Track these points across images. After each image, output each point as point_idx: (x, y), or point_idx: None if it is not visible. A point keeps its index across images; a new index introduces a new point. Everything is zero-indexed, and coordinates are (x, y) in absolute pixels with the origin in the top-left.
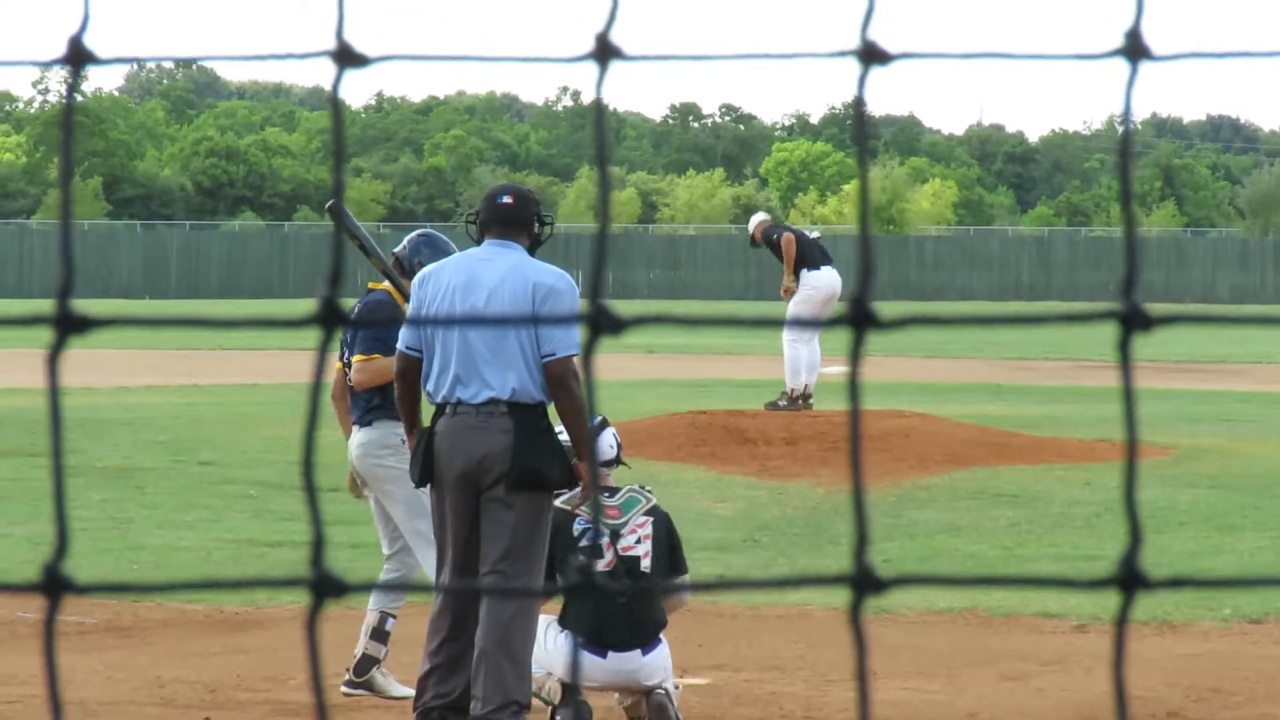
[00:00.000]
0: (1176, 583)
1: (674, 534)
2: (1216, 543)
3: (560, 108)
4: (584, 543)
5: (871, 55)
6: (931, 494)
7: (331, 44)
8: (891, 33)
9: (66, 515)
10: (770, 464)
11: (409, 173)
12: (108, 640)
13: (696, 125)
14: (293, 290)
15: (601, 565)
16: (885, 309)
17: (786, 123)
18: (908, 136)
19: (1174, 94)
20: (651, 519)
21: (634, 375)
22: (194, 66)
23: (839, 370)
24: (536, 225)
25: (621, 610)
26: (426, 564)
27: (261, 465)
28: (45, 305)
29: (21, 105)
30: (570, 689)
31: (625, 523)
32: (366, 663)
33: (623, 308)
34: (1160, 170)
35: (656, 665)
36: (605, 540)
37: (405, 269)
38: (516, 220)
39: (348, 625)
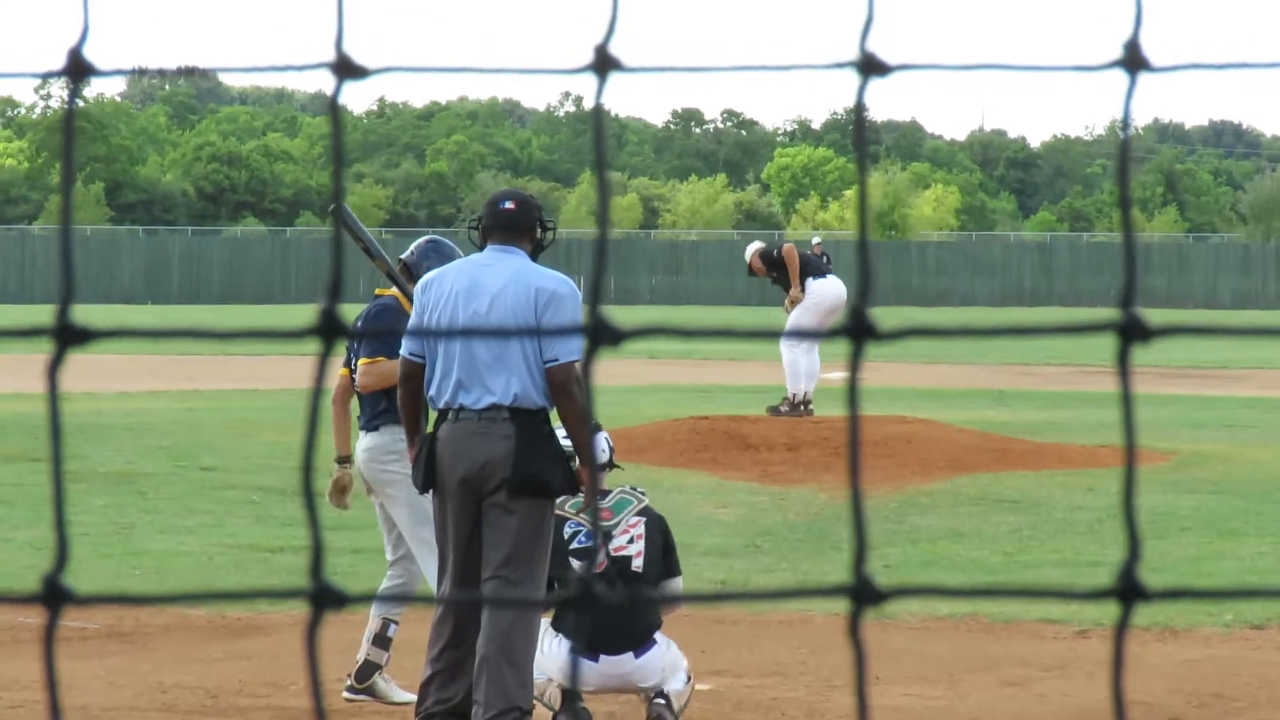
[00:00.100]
0: (1175, 594)
1: (668, 536)
2: (1218, 548)
3: (562, 113)
4: (575, 545)
5: (870, 67)
6: (933, 499)
7: (331, 55)
8: (892, 37)
9: (66, 527)
10: (772, 469)
11: (411, 178)
12: (109, 646)
13: (698, 131)
14: (294, 296)
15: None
16: (887, 315)
17: (788, 128)
18: (909, 142)
19: (1176, 99)
20: (644, 519)
21: (636, 381)
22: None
23: (841, 375)
24: (539, 231)
25: (612, 614)
26: (428, 571)
27: (263, 470)
28: (47, 311)
29: (24, 111)
30: (570, 694)
31: (617, 523)
32: (368, 669)
33: (624, 313)
34: (1162, 176)
35: (652, 667)
36: (593, 543)
37: (413, 275)
38: (519, 226)
39: (349, 630)
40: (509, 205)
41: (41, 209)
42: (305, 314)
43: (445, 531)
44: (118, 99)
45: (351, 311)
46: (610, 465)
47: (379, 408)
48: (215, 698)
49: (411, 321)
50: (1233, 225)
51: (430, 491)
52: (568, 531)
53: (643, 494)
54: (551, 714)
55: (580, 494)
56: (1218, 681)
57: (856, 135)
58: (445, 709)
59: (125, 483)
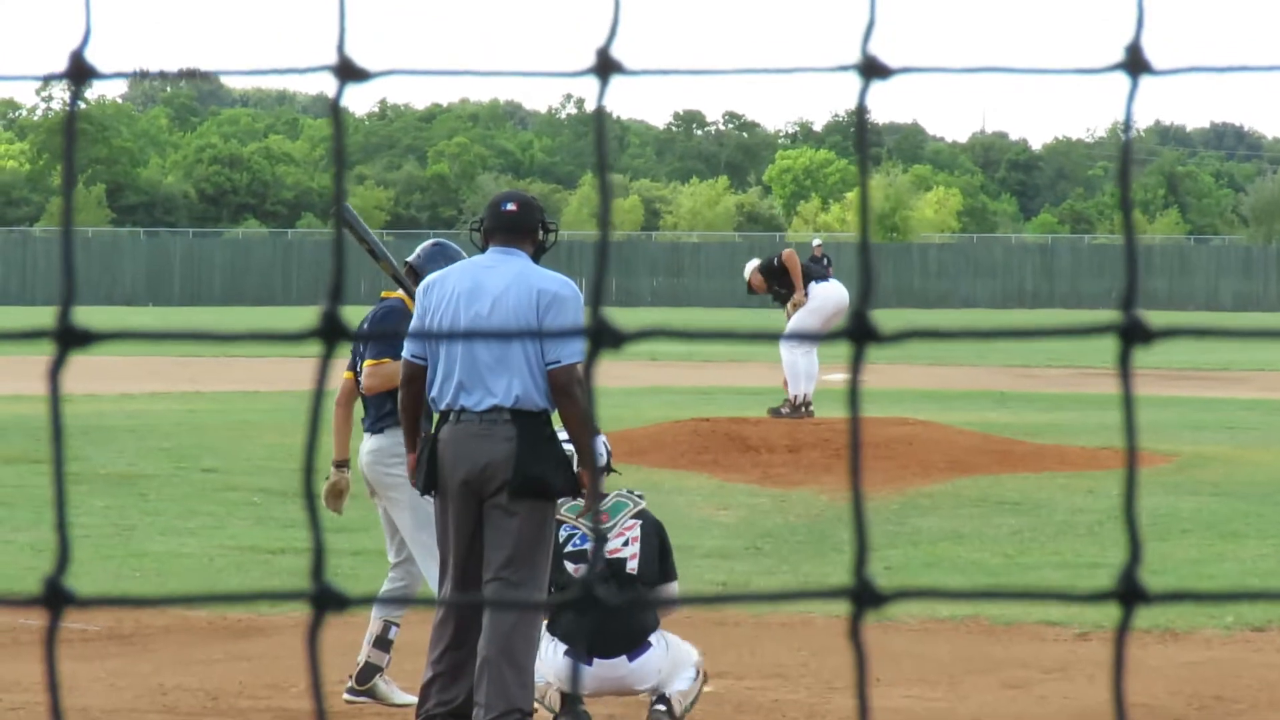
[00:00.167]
0: (1176, 596)
1: (665, 539)
2: (1219, 550)
3: (564, 115)
4: (570, 548)
5: (872, 70)
6: (934, 501)
7: (333, 58)
8: (894, 39)
9: (68, 528)
10: (773, 471)
11: (412, 180)
12: (110, 647)
13: (700, 133)
14: (296, 298)
15: (585, 570)
16: (888, 317)
17: (790, 130)
18: (911, 144)
19: (1177, 101)
20: (640, 522)
21: (637, 383)
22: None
23: (842, 377)
24: (541, 232)
25: (604, 617)
26: (429, 575)
27: (264, 472)
28: (48, 313)
29: (25, 112)
30: (569, 697)
31: (613, 526)
32: (369, 671)
33: (625, 315)
34: (1164, 178)
35: (647, 670)
36: (591, 545)
37: (419, 277)
38: (521, 227)
39: (350, 632)
40: (511, 207)
41: (43, 211)
42: (307, 316)
43: (446, 533)
44: (119, 101)
45: (353, 313)
46: (608, 469)
47: (384, 410)
48: (216, 699)
49: (413, 324)
50: (1234, 227)
51: (431, 493)
52: (563, 535)
53: (640, 497)
54: (552, 716)
55: (580, 497)
56: (1219, 684)
57: (858, 138)
58: (446, 711)
59: (126, 484)
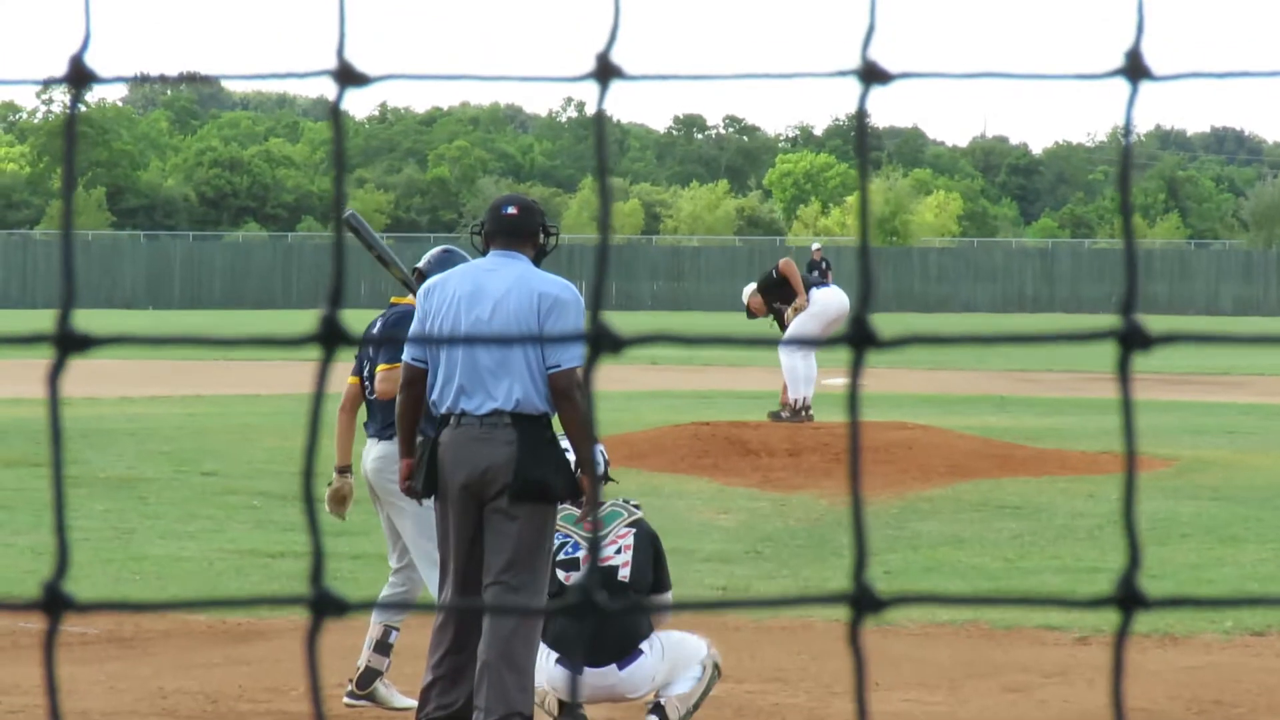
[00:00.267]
0: (1175, 602)
1: (659, 550)
2: (1219, 555)
3: (564, 119)
4: (562, 556)
5: (872, 75)
6: (934, 506)
7: (333, 62)
8: (894, 44)
9: (67, 534)
10: (773, 475)
11: (413, 183)
12: (109, 651)
13: (700, 137)
14: (296, 301)
15: (576, 578)
16: (888, 321)
17: (790, 134)
18: (911, 148)
19: (1178, 106)
20: (634, 530)
21: (637, 387)
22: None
23: (842, 382)
24: (542, 236)
25: (594, 626)
26: (430, 582)
27: (264, 476)
28: (48, 316)
29: (25, 115)
30: (567, 702)
31: (606, 534)
32: (369, 675)
33: (625, 319)
34: (1164, 182)
35: (639, 678)
36: (583, 554)
37: None
38: (521, 231)
39: (349, 636)
40: (512, 210)
41: (43, 214)
42: (307, 319)
43: (447, 537)
44: (119, 104)
45: (353, 317)
46: (605, 478)
47: (392, 416)
48: (215, 703)
49: (413, 327)
50: (1234, 232)
51: (432, 498)
52: (555, 542)
53: (636, 507)
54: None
55: (578, 503)
56: (1218, 688)
57: (858, 143)
58: (446, 714)
59: (126, 488)
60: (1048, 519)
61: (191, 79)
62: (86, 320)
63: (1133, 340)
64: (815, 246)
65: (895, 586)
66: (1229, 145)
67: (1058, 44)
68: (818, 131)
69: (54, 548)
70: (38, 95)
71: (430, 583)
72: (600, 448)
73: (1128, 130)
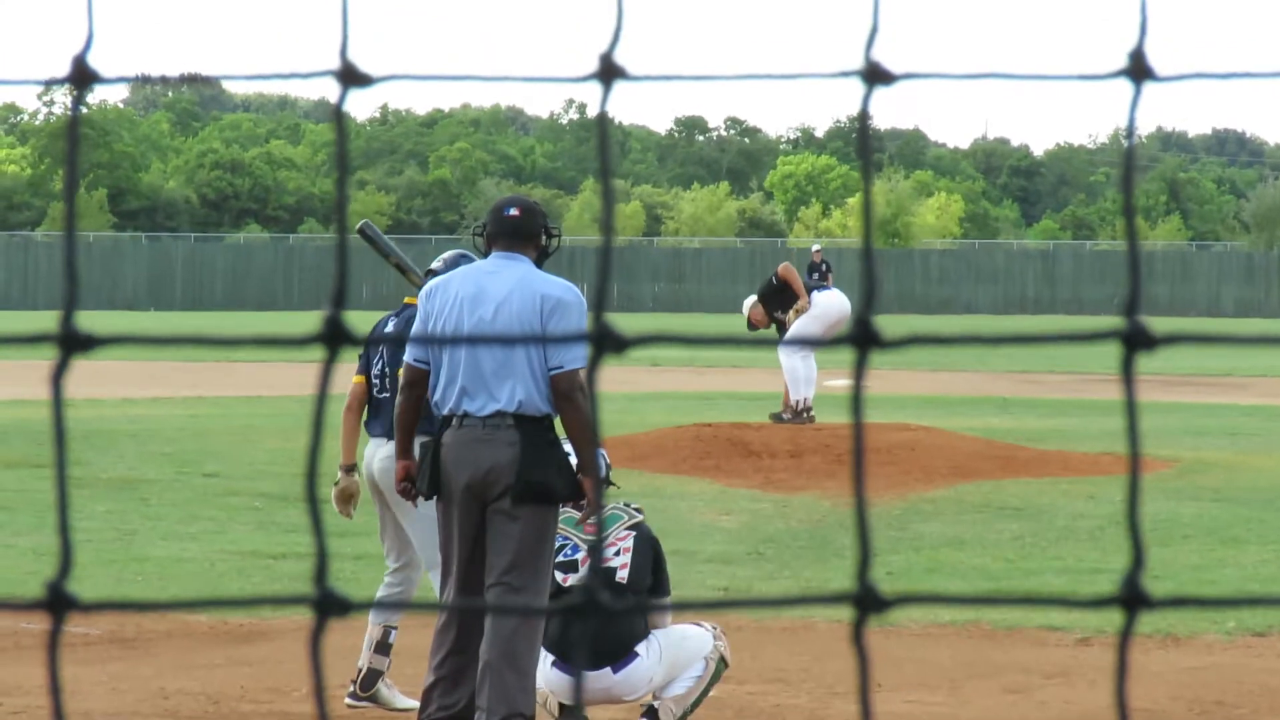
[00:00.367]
0: (1178, 601)
1: (660, 554)
2: (1220, 556)
3: (565, 121)
4: (560, 558)
5: (875, 76)
6: (936, 507)
7: (336, 63)
8: (895, 45)
9: (71, 534)
10: (775, 477)
11: (414, 185)
12: (111, 651)
13: (701, 138)
14: (297, 302)
15: (574, 580)
16: (890, 323)
17: (791, 136)
18: (913, 150)
19: (1179, 108)
20: (634, 534)
21: (639, 388)
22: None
23: (844, 383)
24: (544, 237)
25: (588, 629)
26: (436, 583)
27: (266, 477)
28: (50, 317)
29: (26, 117)
30: (568, 704)
31: (606, 537)
32: (372, 677)
33: (627, 321)
34: (1165, 184)
35: (634, 681)
36: (582, 555)
37: None
38: (523, 232)
39: (351, 636)
40: (514, 212)
41: (44, 215)
42: (308, 320)
43: (449, 538)
44: (120, 105)
45: (355, 319)
46: (607, 482)
47: None
48: (217, 703)
49: (415, 328)
50: (1236, 234)
51: (435, 499)
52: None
53: (638, 510)
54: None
55: (579, 505)
56: (1220, 689)
57: (861, 144)
58: (448, 715)
59: (128, 489)
60: (1049, 520)
61: (193, 79)
62: (88, 322)
63: (1137, 340)
64: (815, 248)
65: (897, 587)
66: (1230, 147)
67: (1057, 46)
68: (819, 133)
69: (56, 548)
70: (39, 97)
71: (436, 583)
72: (602, 452)
73: (1131, 131)
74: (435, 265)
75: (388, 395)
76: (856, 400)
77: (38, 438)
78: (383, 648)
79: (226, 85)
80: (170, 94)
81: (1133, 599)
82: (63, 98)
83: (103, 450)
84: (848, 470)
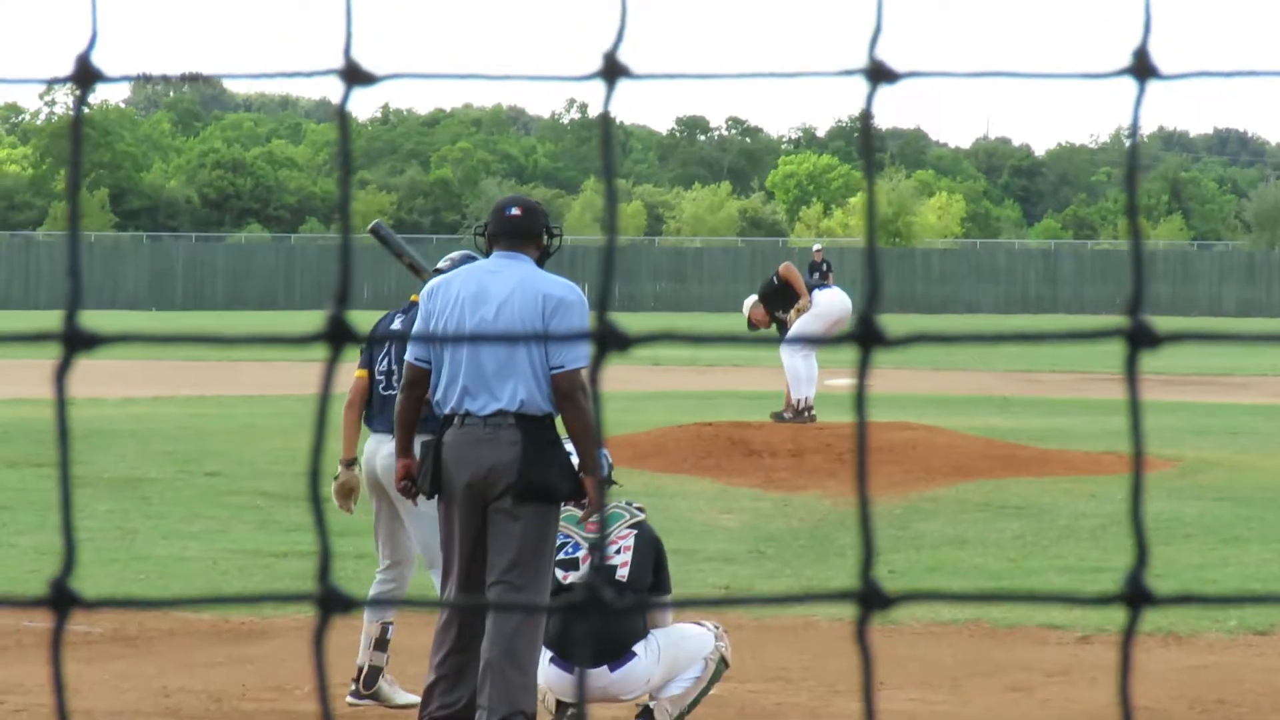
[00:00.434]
0: (1181, 599)
1: (661, 553)
2: (1222, 555)
3: (567, 121)
4: (561, 556)
5: (879, 74)
6: (938, 506)
7: (338, 61)
8: (895, 45)
9: (74, 531)
10: (776, 476)
11: (415, 185)
12: (113, 650)
13: (703, 138)
14: (299, 302)
15: (575, 578)
16: (892, 322)
17: (793, 136)
18: (914, 149)
19: (1181, 107)
20: (635, 532)
21: (640, 387)
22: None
23: (846, 382)
24: (545, 237)
25: (585, 627)
26: (436, 582)
27: (268, 476)
28: (51, 317)
29: (28, 117)
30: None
31: (607, 535)
32: (374, 675)
33: (628, 320)
34: (1167, 184)
35: (631, 680)
36: (583, 553)
37: None
38: (525, 232)
39: (351, 634)
40: (515, 211)
41: (46, 215)
42: (309, 320)
43: (450, 537)
44: (121, 106)
45: (358, 317)
46: (609, 481)
47: None
48: (219, 702)
49: (417, 327)
50: (1237, 233)
51: (436, 497)
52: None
53: (639, 510)
54: (551, 717)
55: (580, 504)
56: (1221, 688)
57: (863, 143)
58: (449, 713)
59: (129, 488)
60: (1050, 519)
61: (195, 78)
62: (90, 321)
63: (1140, 339)
64: (816, 247)
65: (899, 586)
66: (1232, 147)
67: (1059, 48)
68: (820, 133)
69: (59, 546)
70: (40, 96)
71: (437, 581)
72: (604, 451)
73: (1134, 129)
74: (442, 265)
75: (393, 393)
76: (860, 398)
77: (38, 437)
78: (381, 644)
79: (228, 85)
80: (171, 94)
81: (1136, 596)
82: (64, 97)
83: (104, 449)
84: (849, 469)
